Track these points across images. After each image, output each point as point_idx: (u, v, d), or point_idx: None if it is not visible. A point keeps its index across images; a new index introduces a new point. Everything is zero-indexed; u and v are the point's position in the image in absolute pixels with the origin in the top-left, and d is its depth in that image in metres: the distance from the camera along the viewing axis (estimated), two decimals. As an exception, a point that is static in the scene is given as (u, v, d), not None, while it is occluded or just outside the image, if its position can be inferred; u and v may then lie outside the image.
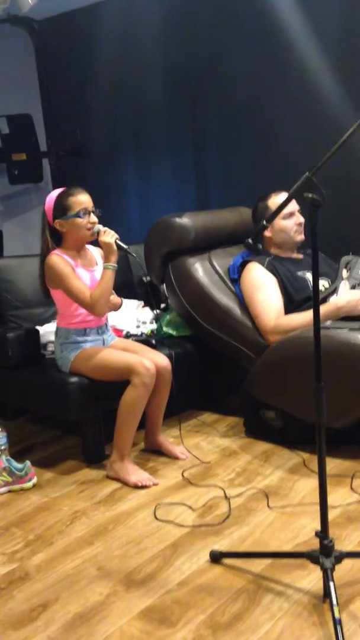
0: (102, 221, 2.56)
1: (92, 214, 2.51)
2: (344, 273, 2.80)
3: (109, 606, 1.76)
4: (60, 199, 2.51)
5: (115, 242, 2.47)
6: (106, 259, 2.49)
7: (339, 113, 3.19)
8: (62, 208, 2.50)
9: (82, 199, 2.50)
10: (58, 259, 2.49)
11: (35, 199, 4.82)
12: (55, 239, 2.55)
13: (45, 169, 4.65)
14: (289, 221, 2.87)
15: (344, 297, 2.67)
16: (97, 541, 2.09)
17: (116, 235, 2.49)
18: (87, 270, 2.57)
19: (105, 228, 2.50)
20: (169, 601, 1.76)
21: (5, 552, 2.06)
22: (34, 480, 2.50)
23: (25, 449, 2.86)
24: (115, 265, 2.48)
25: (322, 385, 1.68)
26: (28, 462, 2.50)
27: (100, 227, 2.51)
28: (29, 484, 2.48)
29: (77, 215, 2.48)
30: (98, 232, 2.50)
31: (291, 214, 2.87)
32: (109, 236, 2.47)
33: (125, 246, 2.50)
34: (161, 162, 4.15)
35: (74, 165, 4.56)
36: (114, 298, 2.63)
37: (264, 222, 1.80)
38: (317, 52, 3.30)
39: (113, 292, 2.64)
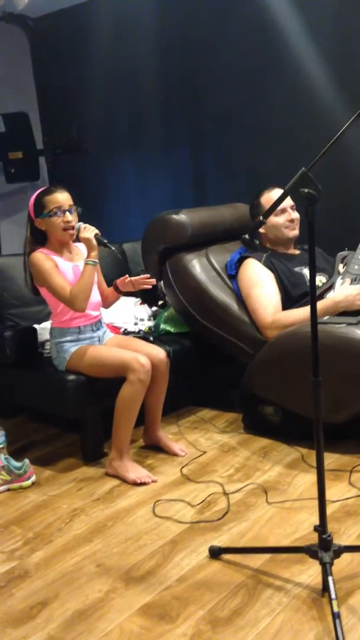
0: (98, 218, 2.55)
1: (67, 213, 2.50)
2: (341, 268, 2.80)
3: (109, 603, 1.76)
4: (37, 198, 2.53)
5: (95, 237, 2.47)
6: (87, 255, 2.49)
7: (334, 109, 3.20)
8: (39, 207, 2.51)
9: (58, 198, 2.50)
10: (40, 255, 2.50)
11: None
12: (41, 237, 2.56)
13: (42, 167, 4.65)
14: (280, 218, 2.88)
15: (342, 292, 2.67)
16: (96, 538, 2.09)
17: (96, 231, 2.48)
18: (71, 263, 2.57)
19: (86, 225, 2.49)
20: (169, 597, 1.77)
21: (5, 550, 2.06)
22: (33, 478, 2.50)
23: (23, 447, 2.87)
24: (96, 261, 2.48)
25: (320, 380, 1.68)
26: (27, 461, 2.50)
27: (81, 224, 2.50)
28: (28, 482, 2.48)
29: (50, 214, 2.48)
30: (79, 229, 2.49)
31: (283, 211, 2.87)
32: (89, 232, 2.47)
33: (105, 241, 2.49)
34: (158, 158, 4.14)
35: (71, 163, 4.55)
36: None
37: (261, 218, 1.80)
38: (311, 48, 3.31)
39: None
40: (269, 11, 3.39)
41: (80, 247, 2.66)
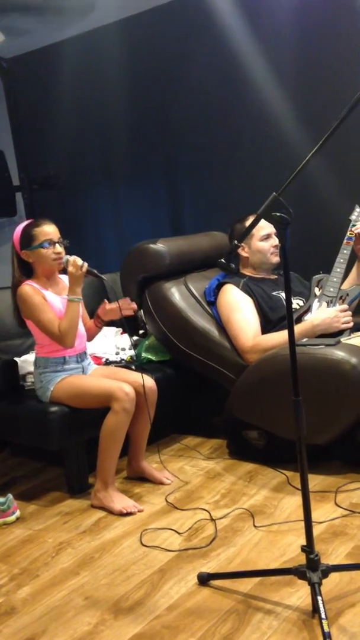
0: (77, 251, 2.57)
1: (57, 245, 2.52)
2: (317, 291, 2.84)
3: (98, 635, 1.74)
4: (25, 230, 2.54)
5: (87, 269, 2.47)
6: (70, 290, 2.47)
7: (297, 140, 3.30)
8: (27, 239, 2.52)
9: (47, 230, 2.52)
10: (29, 288, 2.50)
11: (10, 232, 4.76)
12: (26, 269, 2.57)
13: (19, 202, 4.68)
14: (266, 243, 2.93)
15: (319, 315, 2.71)
16: (83, 571, 2.07)
17: (85, 264, 2.46)
18: (59, 296, 2.58)
19: (74, 257, 2.47)
20: (159, 626, 1.74)
21: (-10, 588, 2.03)
22: (17, 513, 2.47)
23: (7, 482, 2.83)
24: (80, 297, 2.48)
25: (300, 400, 1.69)
26: (10, 496, 2.47)
27: (68, 257, 2.49)
28: (12, 518, 2.45)
29: (41, 245, 2.50)
30: (67, 262, 2.48)
31: (268, 236, 2.92)
32: (76, 266, 2.45)
33: (94, 271, 2.50)
34: (134, 190, 4.20)
35: (48, 198, 4.59)
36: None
37: (236, 242, 1.84)
38: (273, 83, 3.44)
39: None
40: (233, 49, 3.51)
41: (65, 280, 2.67)
